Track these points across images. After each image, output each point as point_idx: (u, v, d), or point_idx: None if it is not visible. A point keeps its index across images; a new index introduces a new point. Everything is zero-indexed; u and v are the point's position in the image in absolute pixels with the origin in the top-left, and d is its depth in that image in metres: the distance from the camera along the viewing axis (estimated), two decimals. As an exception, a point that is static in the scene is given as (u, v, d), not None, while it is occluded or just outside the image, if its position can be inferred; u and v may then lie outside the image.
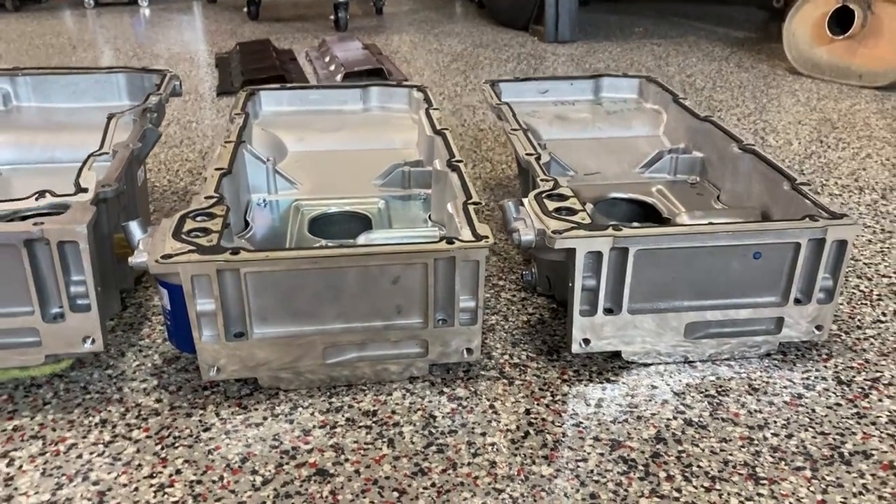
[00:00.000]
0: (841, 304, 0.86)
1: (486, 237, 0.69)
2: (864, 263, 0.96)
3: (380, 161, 1.00)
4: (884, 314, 0.85)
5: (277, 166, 0.98)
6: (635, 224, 0.79)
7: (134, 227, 0.70)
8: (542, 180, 0.81)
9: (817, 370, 0.75)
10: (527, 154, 0.89)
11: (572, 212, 0.74)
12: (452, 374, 0.74)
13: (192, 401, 0.71)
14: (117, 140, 0.82)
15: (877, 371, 0.75)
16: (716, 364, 0.76)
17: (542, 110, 1.15)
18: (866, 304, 0.87)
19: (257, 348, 0.70)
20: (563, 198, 0.77)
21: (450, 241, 0.69)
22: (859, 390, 0.72)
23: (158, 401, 0.71)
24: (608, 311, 0.73)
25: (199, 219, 0.73)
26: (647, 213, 0.96)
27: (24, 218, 0.65)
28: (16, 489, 0.61)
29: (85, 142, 0.89)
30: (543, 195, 0.77)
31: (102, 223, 0.71)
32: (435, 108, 1.07)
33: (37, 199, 0.65)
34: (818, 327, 0.76)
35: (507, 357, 0.77)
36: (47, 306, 0.67)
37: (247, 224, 0.89)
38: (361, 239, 0.82)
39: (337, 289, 0.69)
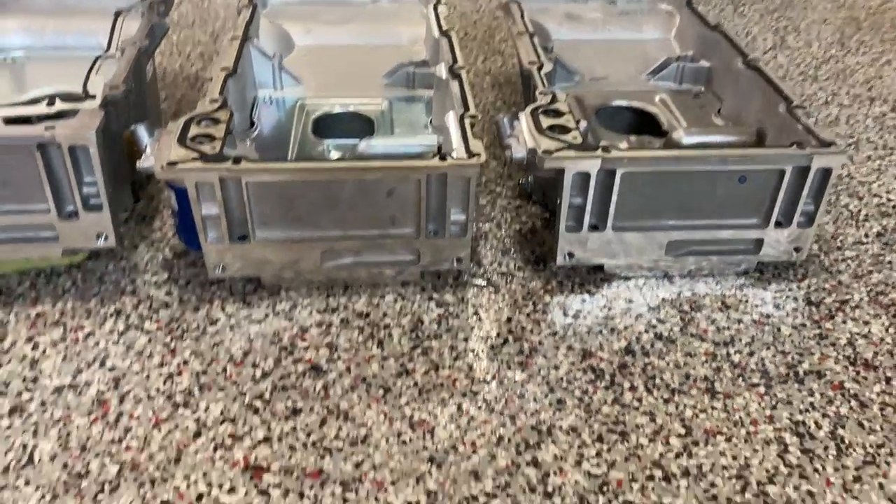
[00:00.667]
0: (826, 223, 0.89)
1: (478, 155, 0.72)
2: (859, 182, 0.97)
3: (387, 58, 1.01)
4: (866, 235, 0.87)
5: (284, 62, 0.99)
6: (624, 145, 0.81)
7: (141, 130, 0.73)
8: (540, 93, 0.82)
9: (790, 290, 0.78)
10: (529, 62, 0.90)
11: (565, 130, 0.75)
12: (443, 281, 0.79)
13: (200, 295, 0.76)
14: (125, 37, 0.84)
15: (847, 293, 0.78)
16: (694, 280, 0.79)
17: (553, 7, 1.13)
18: (851, 224, 0.89)
19: (259, 250, 0.75)
20: (558, 114, 0.78)
21: (442, 158, 0.72)
22: (826, 312, 0.76)
23: (169, 294, 0.77)
24: (593, 228, 0.76)
25: (203, 124, 0.75)
26: (648, 124, 0.97)
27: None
28: (40, 371, 0.67)
29: (96, 29, 0.91)
30: (539, 111, 0.78)
31: (112, 124, 0.74)
32: (443, 3, 1.06)
33: (48, 105, 0.68)
34: (797, 249, 0.79)
35: (495, 265, 0.81)
36: (62, 205, 0.72)
37: (252, 123, 0.92)
38: (362, 145, 0.85)
39: (334, 199, 0.73)
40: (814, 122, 0.77)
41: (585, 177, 0.73)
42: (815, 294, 0.78)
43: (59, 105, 0.68)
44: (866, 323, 0.74)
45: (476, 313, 0.75)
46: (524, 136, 0.75)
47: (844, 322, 0.74)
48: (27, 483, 0.57)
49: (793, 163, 0.73)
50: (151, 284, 0.78)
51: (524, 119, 0.77)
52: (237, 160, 0.70)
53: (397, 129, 0.95)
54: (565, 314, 0.75)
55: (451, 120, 0.79)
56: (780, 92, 0.83)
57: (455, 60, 0.90)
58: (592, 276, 0.79)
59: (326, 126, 0.97)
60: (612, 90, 1.01)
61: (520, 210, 0.90)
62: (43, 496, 0.56)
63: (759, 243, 0.79)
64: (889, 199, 0.94)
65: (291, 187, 0.72)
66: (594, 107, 0.98)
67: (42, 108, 0.68)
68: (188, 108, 1.01)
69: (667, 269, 0.81)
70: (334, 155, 0.87)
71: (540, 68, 0.88)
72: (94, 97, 0.69)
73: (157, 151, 0.72)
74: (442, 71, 0.89)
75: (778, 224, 0.78)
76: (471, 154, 0.72)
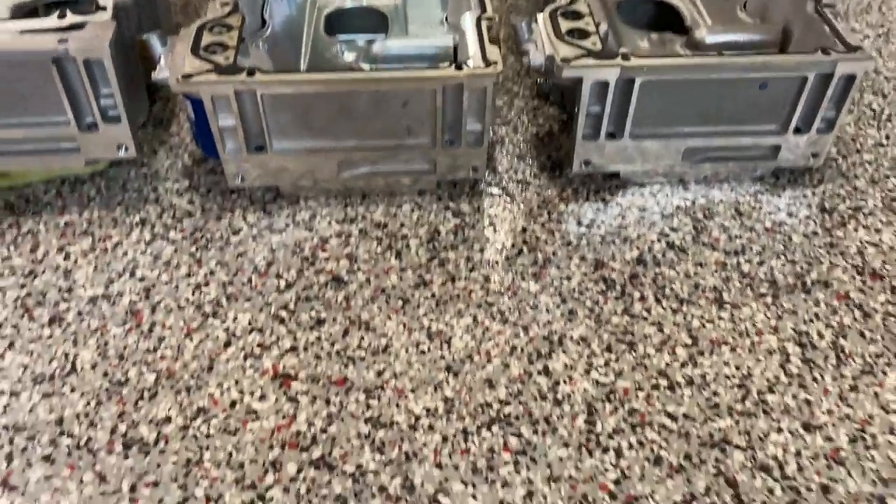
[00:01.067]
0: (847, 123, 0.88)
1: (495, 63, 0.71)
2: (885, 77, 0.95)
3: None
4: (887, 137, 0.86)
5: (294, -48, 0.96)
6: (645, 44, 0.79)
7: (154, 40, 0.73)
8: (558, -6, 0.80)
9: (805, 196, 0.79)
10: (547, -45, 0.86)
11: (584, 34, 0.74)
12: (459, 190, 0.80)
13: (222, 204, 0.78)
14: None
15: (861, 199, 0.79)
16: (709, 186, 0.80)
17: None
18: (873, 125, 0.88)
19: (277, 160, 0.75)
20: (577, 16, 0.76)
21: (458, 67, 0.71)
22: (839, 219, 0.76)
23: (191, 202, 0.78)
24: (610, 136, 0.76)
25: (215, 30, 0.74)
26: (671, 17, 0.94)
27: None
28: (74, 281, 0.70)
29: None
30: (558, 12, 0.76)
31: (124, 31, 0.73)
32: None
33: (59, 18, 0.67)
34: (814, 154, 0.79)
35: (511, 173, 0.82)
36: (81, 117, 0.72)
37: (264, 22, 0.90)
38: (376, 46, 0.84)
39: (349, 109, 0.73)
40: (844, 14, 0.75)
41: (604, 85, 0.72)
42: (830, 200, 0.78)
43: (71, 17, 0.67)
44: (878, 231, 0.75)
45: (492, 223, 0.76)
46: (542, 41, 0.73)
47: (856, 230, 0.75)
48: (73, 390, 0.62)
49: (816, 70, 0.72)
50: (173, 192, 0.79)
51: (542, 22, 0.75)
52: (251, 72, 0.69)
53: (412, 25, 0.92)
54: (579, 223, 0.76)
55: (468, 22, 0.78)
56: (809, -11, 0.80)
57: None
58: (608, 183, 0.80)
59: (339, 22, 0.95)
60: (635, -19, 0.98)
61: (537, 112, 0.90)
62: (88, 402, 0.61)
63: (776, 149, 0.78)
64: (914, 98, 0.92)
65: (306, 98, 0.72)
66: (616, 1, 0.95)
67: (53, 21, 0.67)
68: (201, 10, 1.00)
69: (683, 174, 0.81)
70: (349, 56, 0.86)
71: (559, -39, 0.85)
72: (104, 8, 0.68)
73: (171, 62, 0.71)
74: (456, -31, 0.86)
75: (797, 130, 0.77)
76: (487, 62, 0.71)
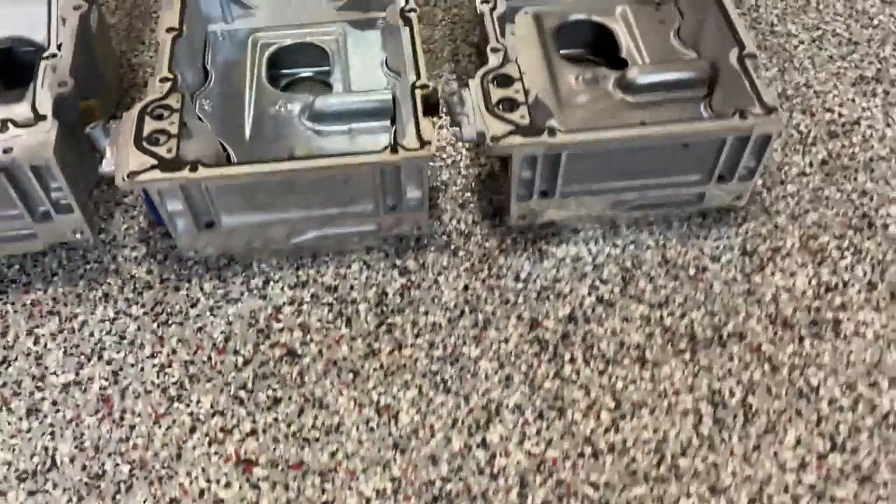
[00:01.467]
0: (774, 149, 0.92)
1: (429, 143, 0.74)
2: (815, 92, 0.99)
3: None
4: (811, 164, 0.91)
5: (232, -10, 0.96)
6: (577, 82, 0.83)
7: (97, 133, 0.75)
8: (491, 49, 0.82)
9: (728, 238, 0.84)
10: (482, 1, 0.87)
11: (514, 105, 0.76)
12: (405, 244, 0.84)
13: (178, 272, 0.82)
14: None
15: (780, 239, 0.84)
16: (639, 230, 0.85)
17: None
18: (798, 150, 0.92)
19: (227, 234, 0.79)
20: (508, 81, 0.79)
21: (394, 150, 0.74)
22: (758, 262, 0.82)
23: (149, 271, 0.83)
24: (543, 194, 0.80)
25: (156, 113, 0.76)
26: (607, 41, 0.96)
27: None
28: (46, 368, 0.75)
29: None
30: (489, 77, 0.79)
31: (67, 119, 0.75)
32: None
33: (1, 131, 0.69)
34: (738, 197, 0.84)
35: (454, 223, 0.86)
36: (35, 210, 0.76)
37: (206, 74, 0.91)
38: (318, 102, 0.86)
39: (293, 188, 0.77)
40: (763, 70, 0.77)
41: (533, 157, 0.76)
42: (751, 241, 0.84)
43: (12, 129, 0.69)
44: (792, 274, 0.81)
45: (436, 281, 0.81)
46: (473, 115, 0.76)
47: (773, 274, 0.81)
48: (55, 486, 0.68)
49: (734, 133, 0.76)
50: (132, 261, 0.83)
51: (473, 90, 0.78)
52: (194, 166, 0.72)
53: (352, 59, 0.95)
54: (517, 279, 0.81)
55: (401, 91, 0.80)
56: (736, 35, 0.83)
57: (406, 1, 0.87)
58: (545, 231, 0.85)
59: (282, 61, 0.97)
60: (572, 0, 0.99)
61: (479, 151, 0.93)
62: (70, 499, 0.67)
63: (701, 196, 0.83)
64: (840, 115, 0.96)
65: (250, 184, 0.75)
66: (553, 28, 0.97)
67: (-4, 136, 0.69)
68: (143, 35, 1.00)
69: (615, 218, 0.86)
70: (293, 109, 0.89)
71: (493, 9, 0.86)
72: (44, 118, 0.70)
73: (116, 154, 0.74)
74: (394, 19, 0.87)
75: (720, 178, 0.82)
76: (422, 143, 0.74)
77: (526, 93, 0.78)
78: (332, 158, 0.75)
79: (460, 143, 0.92)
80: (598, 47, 0.99)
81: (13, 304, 0.80)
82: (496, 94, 0.77)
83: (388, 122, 0.86)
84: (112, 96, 0.97)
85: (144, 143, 0.74)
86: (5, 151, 0.69)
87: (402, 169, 0.75)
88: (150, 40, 1.07)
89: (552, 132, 0.74)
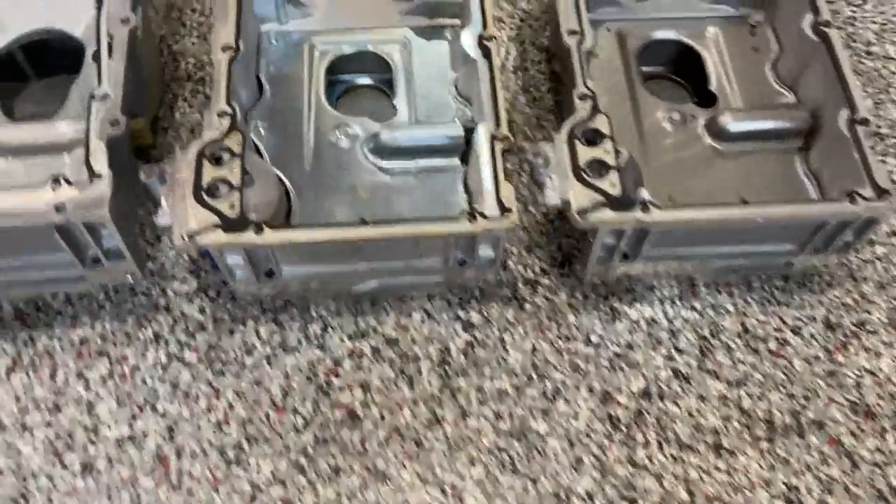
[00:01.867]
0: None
1: (510, 211, 0.68)
2: (912, 131, 0.91)
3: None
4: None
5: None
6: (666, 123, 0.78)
7: (153, 184, 0.69)
8: (579, 97, 0.75)
9: (811, 307, 0.79)
10: (569, 32, 0.79)
11: (604, 169, 0.70)
12: (469, 294, 0.80)
13: (232, 312, 0.78)
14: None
15: (866, 311, 0.79)
16: (718, 291, 0.80)
17: None
18: (891, 203, 0.86)
19: (287, 283, 0.75)
20: (598, 137, 0.72)
21: (472, 216, 0.68)
22: (841, 338, 0.78)
23: (202, 311, 0.79)
24: (624, 258, 0.75)
25: (216, 156, 0.71)
26: (693, 65, 0.89)
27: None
28: (98, 418, 0.73)
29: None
30: (577, 132, 0.72)
31: (119, 151, 0.70)
32: None
33: (53, 189, 0.64)
34: (825, 265, 0.79)
35: (520, 269, 0.81)
36: (85, 259, 0.71)
37: (260, 87, 0.84)
38: (384, 135, 0.80)
39: (360, 248, 0.72)
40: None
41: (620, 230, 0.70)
42: (835, 312, 0.79)
43: (65, 187, 0.64)
44: (878, 355, 0.77)
45: (502, 339, 0.77)
46: (558, 177, 0.70)
47: (857, 353, 0.77)
48: (114, 555, 0.67)
49: (839, 218, 0.70)
50: (182, 296, 0.79)
51: (559, 148, 0.71)
52: (258, 227, 0.67)
53: (417, 75, 0.87)
54: (588, 342, 0.77)
55: (480, 136, 0.73)
56: (846, 89, 0.75)
57: (485, 24, 0.79)
58: (618, 286, 0.80)
59: (340, 68, 0.89)
60: (659, 17, 0.91)
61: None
62: (130, 571, 0.66)
63: (790, 264, 0.78)
64: (938, 163, 0.89)
65: (314, 245, 0.70)
66: (637, 49, 0.89)
67: (48, 194, 0.63)
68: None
69: (693, 275, 0.81)
70: (356, 135, 0.82)
71: (580, 43, 0.78)
72: (100, 176, 0.64)
73: (172, 204, 0.69)
74: (469, 44, 0.79)
75: (815, 250, 0.76)
76: (503, 208, 0.69)
77: (617, 153, 0.71)
78: (406, 226, 0.70)
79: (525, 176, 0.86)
80: (683, 69, 0.91)
81: (60, 339, 0.77)
82: (584, 153, 0.71)
83: (457, 160, 0.80)
84: (155, 95, 0.90)
85: (204, 196, 0.68)
86: (58, 210, 0.64)
87: (477, 239, 0.70)
88: (191, 22, 0.99)
89: (645, 207, 0.68)
